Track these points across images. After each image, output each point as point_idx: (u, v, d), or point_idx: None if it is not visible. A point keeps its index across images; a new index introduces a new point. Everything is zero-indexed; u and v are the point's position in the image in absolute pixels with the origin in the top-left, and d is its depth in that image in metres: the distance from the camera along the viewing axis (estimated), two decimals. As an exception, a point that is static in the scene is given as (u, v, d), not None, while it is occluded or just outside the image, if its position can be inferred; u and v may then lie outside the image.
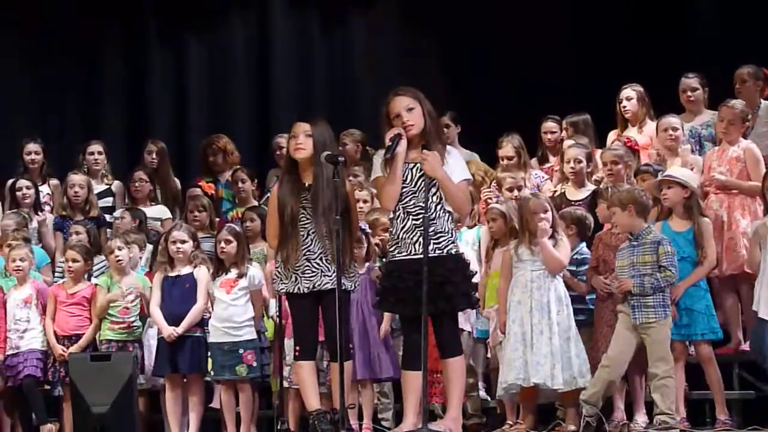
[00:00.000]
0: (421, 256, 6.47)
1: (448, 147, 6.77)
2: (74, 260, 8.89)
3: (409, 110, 6.67)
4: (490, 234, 8.45)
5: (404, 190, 6.67)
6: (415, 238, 6.62)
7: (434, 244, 6.57)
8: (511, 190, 8.92)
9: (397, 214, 6.70)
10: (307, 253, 6.96)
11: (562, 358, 7.68)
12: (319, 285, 6.96)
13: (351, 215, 7.08)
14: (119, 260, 8.75)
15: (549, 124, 10.20)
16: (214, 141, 10.82)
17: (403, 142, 6.61)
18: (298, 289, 6.99)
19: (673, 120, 9.19)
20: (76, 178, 10.13)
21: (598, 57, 11.36)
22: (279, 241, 7.02)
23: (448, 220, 6.68)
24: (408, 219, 6.65)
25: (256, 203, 9.91)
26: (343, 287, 6.81)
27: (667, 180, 8.08)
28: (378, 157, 6.78)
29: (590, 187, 8.98)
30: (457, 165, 6.73)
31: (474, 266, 8.31)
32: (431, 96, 6.86)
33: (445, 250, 6.61)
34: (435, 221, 6.60)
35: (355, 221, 7.16)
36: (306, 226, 6.96)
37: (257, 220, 9.14)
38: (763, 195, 8.06)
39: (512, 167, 9.33)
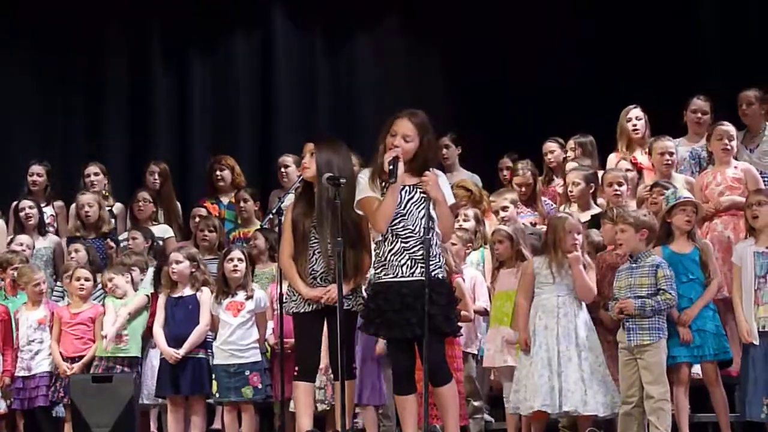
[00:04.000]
0: (408, 278, 6.48)
1: (436, 171, 6.70)
2: (86, 279, 8.92)
3: (405, 138, 6.59)
4: (495, 256, 8.41)
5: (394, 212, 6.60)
6: (402, 261, 6.56)
7: (422, 267, 6.49)
8: (497, 213, 8.99)
9: (386, 236, 6.61)
10: (312, 272, 6.95)
11: (594, 383, 7.61)
12: (324, 304, 6.91)
13: (362, 236, 7.00)
14: (115, 291, 8.81)
15: (549, 145, 10.18)
16: (222, 159, 10.81)
17: (401, 165, 6.55)
18: (307, 306, 6.96)
19: (669, 144, 9.18)
20: (86, 197, 10.13)
21: (600, 80, 11.41)
22: (293, 259, 7.01)
23: (436, 244, 6.59)
24: (396, 241, 6.58)
25: (258, 224, 9.87)
26: (348, 307, 6.78)
27: (690, 202, 8.00)
28: (363, 176, 6.71)
29: (595, 209, 8.96)
30: (444, 189, 6.68)
31: (482, 286, 8.45)
32: (434, 114, 6.81)
33: (432, 274, 6.49)
34: (425, 243, 6.49)
35: (366, 241, 7.06)
36: (314, 245, 6.95)
37: (262, 240, 9.13)
38: (745, 215, 8.05)
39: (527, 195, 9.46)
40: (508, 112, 11.54)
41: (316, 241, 6.94)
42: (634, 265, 7.66)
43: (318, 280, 6.94)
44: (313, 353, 7.02)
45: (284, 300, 7.13)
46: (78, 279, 8.92)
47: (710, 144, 9.03)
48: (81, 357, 8.74)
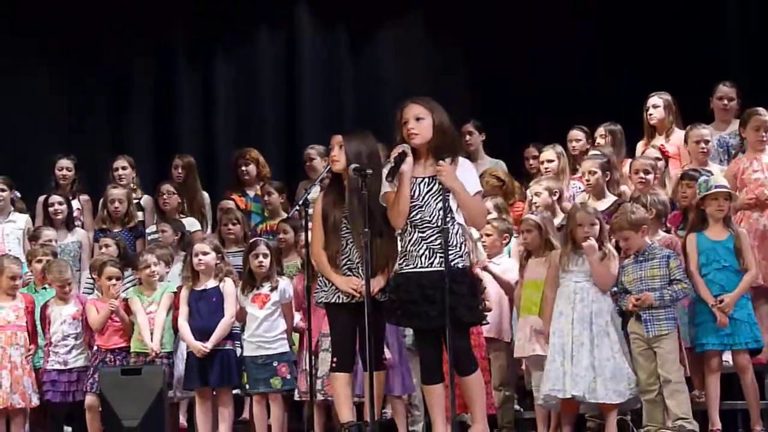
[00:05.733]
0: (427, 269, 6.48)
1: (459, 159, 6.66)
2: (117, 278, 8.85)
3: (417, 119, 6.59)
4: (523, 245, 8.37)
5: (411, 204, 6.58)
6: (421, 251, 6.55)
7: (440, 257, 6.48)
8: (533, 203, 8.91)
9: (405, 227, 6.62)
10: (348, 262, 6.91)
11: (606, 371, 7.61)
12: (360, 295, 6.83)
13: (389, 228, 6.89)
14: (152, 275, 8.79)
15: (574, 133, 10.11)
16: (247, 152, 10.81)
17: (409, 160, 6.53)
18: (338, 298, 6.93)
19: (704, 132, 9.14)
20: (116, 192, 10.12)
21: (627, 66, 11.36)
22: (324, 249, 6.98)
23: (457, 233, 6.56)
24: (415, 232, 6.57)
25: (283, 215, 9.84)
26: (377, 298, 6.74)
27: (724, 192, 7.99)
28: (385, 171, 6.69)
29: (611, 198, 8.89)
30: (467, 177, 6.63)
31: (514, 275, 8.42)
32: (458, 107, 6.88)
33: (452, 264, 6.47)
34: (443, 233, 6.47)
35: (393, 233, 6.94)
36: (346, 235, 6.92)
37: (290, 232, 9.16)
38: None
39: (552, 172, 9.37)
40: (533, 103, 11.50)
41: (348, 231, 6.90)
42: (640, 258, 7.74)
43: (355, 271, 6.89)
44: (349, 344, 6.95)
45: (315, 291, 7.09)
46: (110, 278, 8.84)
47: (743, 130, 8.97)
48: (123, 348, 8.73)
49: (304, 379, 8.21)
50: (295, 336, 8.71)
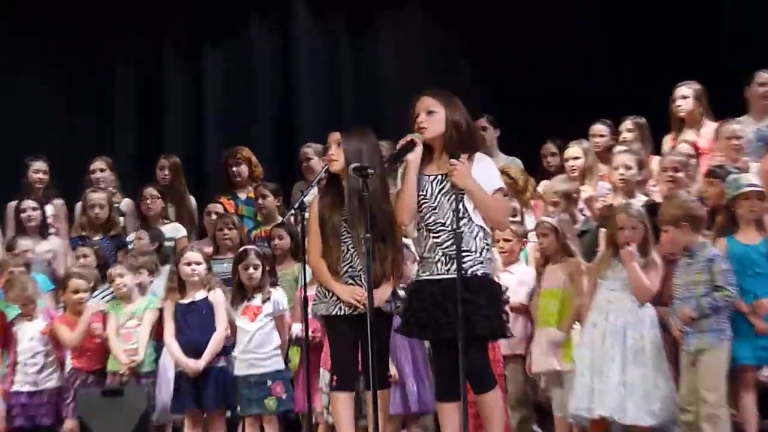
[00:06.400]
0: (443, 276, 6.26)
1: (477, 155, 6.38)
2: (86, 291, 8.67)
3: (429, 113, 6.35)
4: (540, 250, 8.13)
5: (424, 205, 6.36)
6: (436, 257, 6.32)
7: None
8: (556, 204, 8.59)
9: (420, 231, 6.42)
10: (350, 270, 6.66)
11: (639, 390, 7.28)
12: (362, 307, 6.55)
13: (394, 229, 6.72)
14: (120, 288, 8.57)
15: (598, 127, 9.74)
16: (238, 151, 10.56)
17: (418, 150, 6.31)
18: (339, 310, 6.64)
19: (737, 127, 8.83)
20: (96, 196, 9.84)
21: (651, 54, 11.06)
22: (322, 257, 6.76)
23: (477, 237, 6.28)
24: (429, 237, 6.35)
25: (279, 219, 9.57)
26: (383, 309, 6.54)
27: (756, 192, 7.65)
28: (400, 167, 6.50)
29: (641, 198, 8.54)
30: (486, 173, 6.36)
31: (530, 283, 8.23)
32: (464, 100, 6.49)
33: (469, 271, 6.20)
34: (456, 237, 6.22)
35: (398, 235, 6.79)
36: (347, 240, 6.69)
37: (286, 238, 8.94)
38: None
39: (578, 171, 9.13)
40: (544, 98, 11.23)
41: (349, 236, 6.68)
42: (690, 260, 7.40)
43: (357, 280, 6.65)
44: (351, 360, 6.67)
45: (313, 302, 6.82)
46: (76, 291, 8.63)
47: None
48: (98, 370, 8.56)
49: (303, 396, 7.91)
50: (294, 350, 8.46)
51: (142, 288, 8.71)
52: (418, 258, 6.57)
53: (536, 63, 11.43)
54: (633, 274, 7.39)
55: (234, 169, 10.43)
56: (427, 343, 7.49)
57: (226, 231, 9.40)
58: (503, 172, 9.02)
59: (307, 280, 7.11)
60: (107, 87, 12.26)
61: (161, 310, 8.49)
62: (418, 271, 6.49)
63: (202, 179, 11.61)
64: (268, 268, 8.26)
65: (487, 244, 6.35)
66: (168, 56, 12.30)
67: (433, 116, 6.32)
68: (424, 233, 6.35)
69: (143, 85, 12.25)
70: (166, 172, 10.39)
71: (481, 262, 6.26)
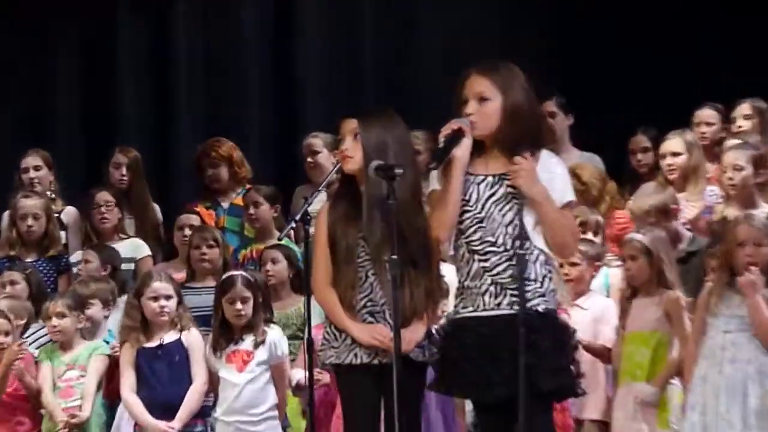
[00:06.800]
0: (493, 312, 6.29)
1: (542, 153, 6.44)
2: (8, 333, 8.79)
3: (481, 100, 6.38)
4: (626, 278, 8.30)
5: (466, 216, 6.38)
6: (483, 288, 6.34)
7: (512, 296, 6.25)
8: (649, 214, 8.76)
9: (461, 252, 6.43)
10: (369, 304, 6.70)
11: None
12: (384, 353, 6.65)
13: (429, 249, 6.73)
14: (56, 334, 8.74)
15: (706, 113, 9.95)
16: (214, 147, 10.76)
17: (466, 142, 6.34)
18: (355, 357, 6.70)
19: None
20: (29, 204, 10.01)
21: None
22: (332, 286, 6.79)
23: (537, 262, 6.35)
24: (473, 260, 6.37)
25: (276, 235, 9.60)
26: (412, 356, 6.57)
27: None
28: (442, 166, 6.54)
29: (765, 208, 8.74)
30: (555, 179, 6.42)
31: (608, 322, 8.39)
32: (528, 76, 6.54)
33: (529, 306, 6.24)
34: (517, 262, 6.28)
35: (434, 258, 6.81)
36: (365, 265, 6.73)
37: (283, 261, 9.11)
38: None
39: (678, 170, 9.30)
40: (633, 74, 11.46)
41: (367, 259, 6.73)
42: None
43: (380, 316, 6.71)
44: (370, 422, 6.72)
45: (321, 347, 6.89)
46: None
47: None
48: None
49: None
50: (293, 401, 8.66)
51: (95, 324, 8.87)
52: (458, 286, 6.53)
53: (623, 28, 11.60)
54: (757, 309, 7.48)
55: (209, 172, 10.65)
56: (468, 404, 7.62)
57: (204, 249, 9.47)
58: (573, 174, 9.28)
59: (313, 321, 7.22)
60: (41, 52, 12.46)
61: (112, 357, 8.66)
62: (457, 304, 6.48)
63: (171, 181, 11.81)
64: (261, 300, 8.34)
65: (549, 272, 6.45)
66: (123, 10, 12.47)
67: (485, 106, 6.35)
68: (466, 254, 6.39)
69: (90, 53, 12.46)
70: (124, 172, 10.55)
71: (543, 295, 6.32)
